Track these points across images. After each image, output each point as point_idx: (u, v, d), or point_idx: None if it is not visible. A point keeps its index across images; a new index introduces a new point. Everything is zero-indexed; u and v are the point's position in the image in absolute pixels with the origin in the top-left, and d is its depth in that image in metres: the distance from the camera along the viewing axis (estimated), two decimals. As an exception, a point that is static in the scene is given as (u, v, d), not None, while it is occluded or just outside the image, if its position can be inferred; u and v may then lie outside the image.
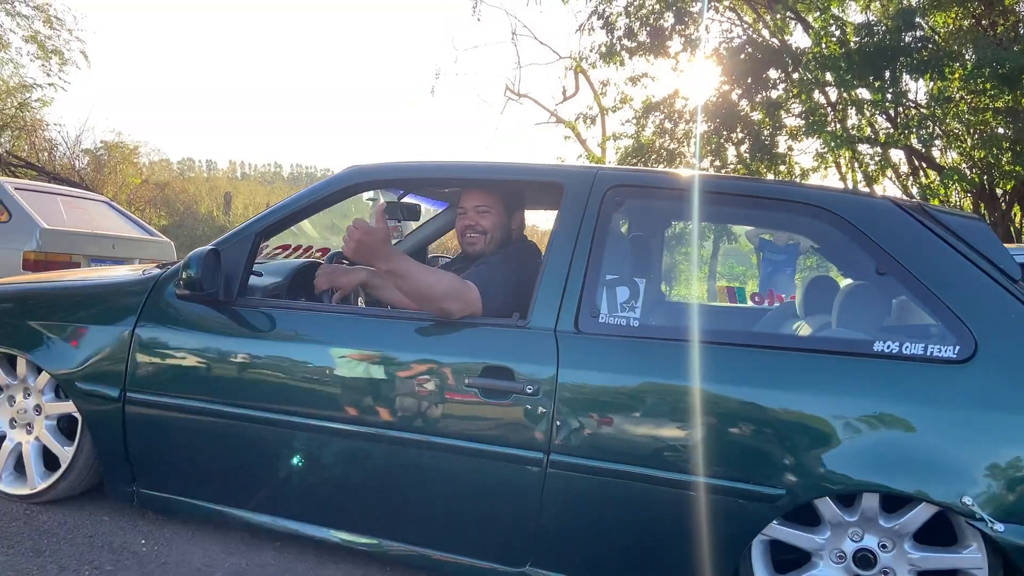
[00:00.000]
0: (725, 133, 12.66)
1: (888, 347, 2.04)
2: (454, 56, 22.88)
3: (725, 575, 2.10)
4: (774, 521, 2.06)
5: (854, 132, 11.31)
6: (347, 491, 2.37)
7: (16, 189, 7.07)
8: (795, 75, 11.52)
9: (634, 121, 13.50)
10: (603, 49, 12.91)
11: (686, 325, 2.35)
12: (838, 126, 11.31)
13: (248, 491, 2.47)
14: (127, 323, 2.51)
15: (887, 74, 10.26)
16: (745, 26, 12.69)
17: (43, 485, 2.65)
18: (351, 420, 2.31)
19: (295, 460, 2.38)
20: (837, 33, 10.61)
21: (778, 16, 11.94)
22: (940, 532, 2.02)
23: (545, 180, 2.48)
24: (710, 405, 2.07)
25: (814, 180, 13.00)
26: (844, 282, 2.59)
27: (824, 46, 10.65)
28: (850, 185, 12.66)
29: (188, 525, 2.58)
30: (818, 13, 10.95)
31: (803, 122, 11.62)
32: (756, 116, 12.27)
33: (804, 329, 2.57)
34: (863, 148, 11.64)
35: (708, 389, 2.08)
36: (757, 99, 12.08)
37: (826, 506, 2.03)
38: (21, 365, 2.69)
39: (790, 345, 2.15)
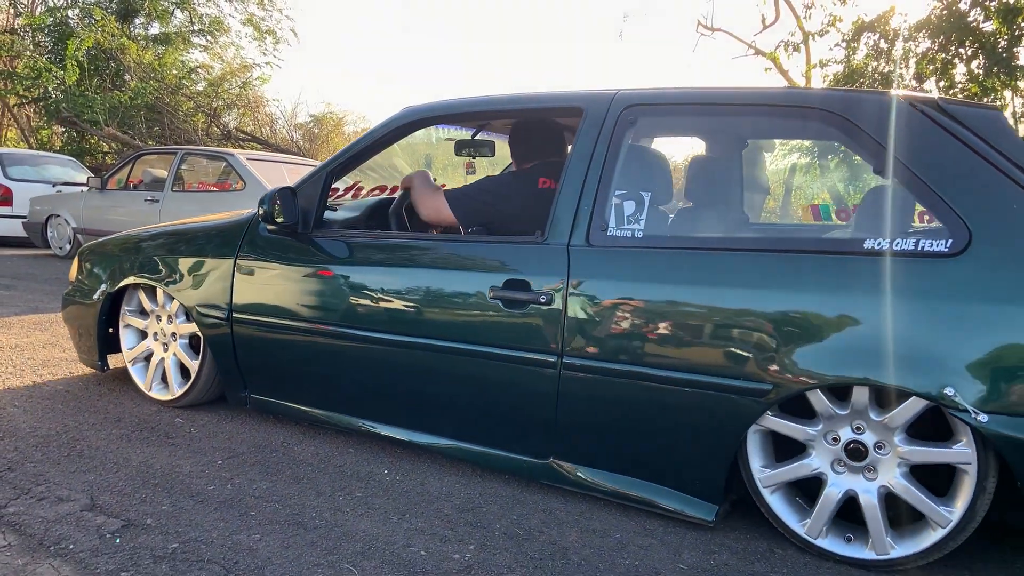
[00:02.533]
0: (953, 49, 11.60)
1: (879, 244, 2.12)
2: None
3: (724, 462, 2.32)
4: (768, 412, 2.24)
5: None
6: (401, 395, 2.87)
7: (248, 160, 8.44)
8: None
9: (844, 44, 12.72)
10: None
11: (689, 235, 2.54)
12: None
13: (329, 396, 3.05)
14: (230, 255, 3.16)
15: None
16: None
17: (180, 392, 3.41)
18: (401, 331, 2.77)
19: (363, 368, 2.91)
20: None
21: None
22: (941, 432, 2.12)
23: (568, 106, 2.76)
24: (705, 307, 2.28)
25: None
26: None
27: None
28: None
29: (425, 457, 2.97)
30: None
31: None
32: (989, 26, 11.11)
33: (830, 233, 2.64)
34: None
35: (703, 291, 2.29)
36: (991, 5, 10.92)
37: (817, 398, 2.17)
38: (160, 294, 3.45)
39: (783, 247, 2.26)
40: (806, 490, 2.33)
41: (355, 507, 2.50)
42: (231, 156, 8.47)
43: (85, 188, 9.45)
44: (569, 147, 3.29)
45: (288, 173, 8.80)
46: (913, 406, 2.06)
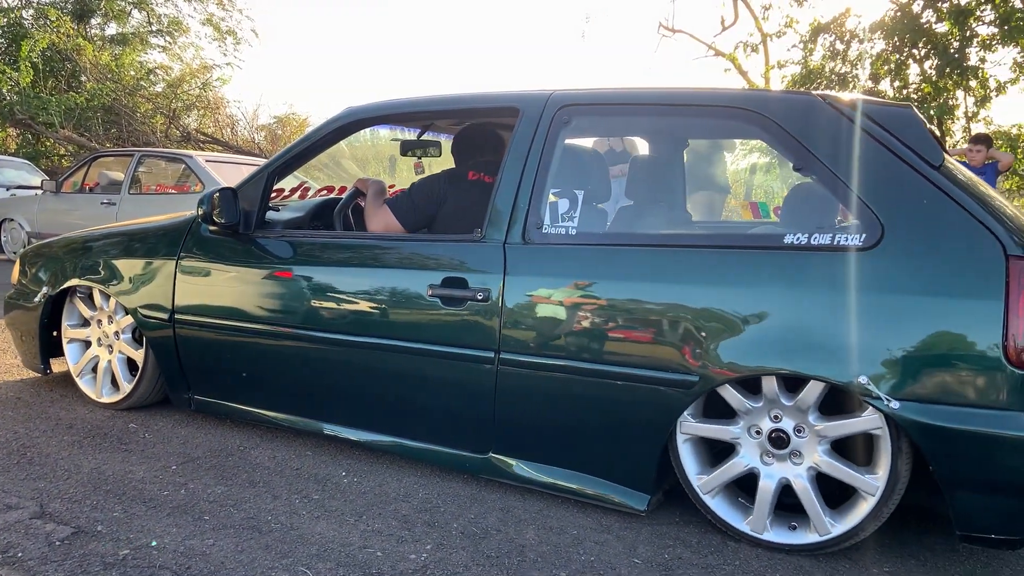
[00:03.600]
0: (906, 50, 11.84)
1: (797, 239, 2.19)
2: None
3: (655, 453, 2.39)
4: (691, 417, 2.32)
5: (1060, 35, 10.16)
6: (343, 393, 2.87)
7: (207, 161, 8.33)
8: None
9: (801, 46, 12.92)
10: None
11: (620, 230, 2.58)
12: (1039, 30, 10.20)
13: (272, 396, 3.05)
14: (172, 256, 3.13)
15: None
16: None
17: (130, 387, 3.38)
18: (342, 330, 2.79)
19: (305, 368, 2.91)
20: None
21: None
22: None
23: (505, 105, 2.78)
24: (634, 302, 2.34)
25: (1012, 93, 11.81)
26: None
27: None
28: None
29: (383, 459, 2.96)
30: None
31: (997, 30, 10.62)
32: (942, 28, 11.36)
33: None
34: (1071, 53, 10.44)
35: (633, 287, 2.35)
36: (943, 8, 11.16)
37: (729, 394, 2.25)
38: (97, 296, 3.43)
39: (712, 244, 2.33)
40: (751, 490, 2.37)
41: (311, 510, 2.50)
42: (189, 158, 8.37)
43: (40, 191, 9.26)
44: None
45: (248, 173, 8.71)
46: (816, 387, 2.15)
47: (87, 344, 3.54)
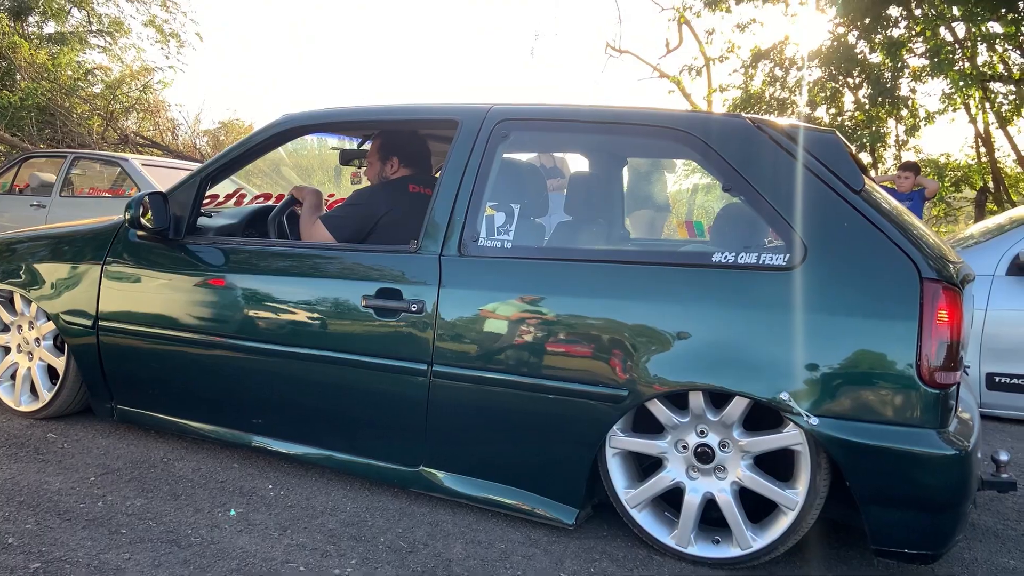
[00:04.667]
0: (841, 79, 12.21)
1: (725, 257, 2.23)
2: (553, 15, 22.86)
3: (584, 468, 2.39)
4: (620, 431, 2.33)
5: (985, 70, 10.62)
6: (273, 404, 2.82)
7: (143, 165, 8.10)
8: (917, 11, 10.93)
9: (742, 71, 13.24)
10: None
11: (554, 245, 2.60)
12: (967, 64, 10.64)
13: (199, 407, 2.97)
14: (98, 261, 3.04)
15: (1021, 3, 9.58)
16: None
17: (50, 395, 3.27)
18: (272, 340, 2.74)
19: (234, 378, 2.84)
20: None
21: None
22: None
23: (444, 118, 2.78)
24: (566, 316, 2.35)
25: (941, 123, 12.29)
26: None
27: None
28: (981, 127, 11.86)
29: (312, 471, 2.91)
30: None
31: (927, 62, 11.03)
32: (875, 58, 11.75)
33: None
34: (995, 86, 10.91)
35: (565, 302, 2.37)
36: (876, 39, 11.54)
37: (657, 408, 2.28)
38: (18, 301, 3.31)
39: (644, 260, 2.36)
40: (677, 504, 2.39)
41: (234, 523, 2.45)
42: (125, 161, 8.16)
43: (-35, 192, 8.90)
44: (432, 158, 3.40)
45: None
46: (741, 403, 2.19)
47: (6, 350, 3.41)
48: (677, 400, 2.29)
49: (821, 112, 12.70)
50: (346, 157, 3.72)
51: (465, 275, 2.50)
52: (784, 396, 2.08)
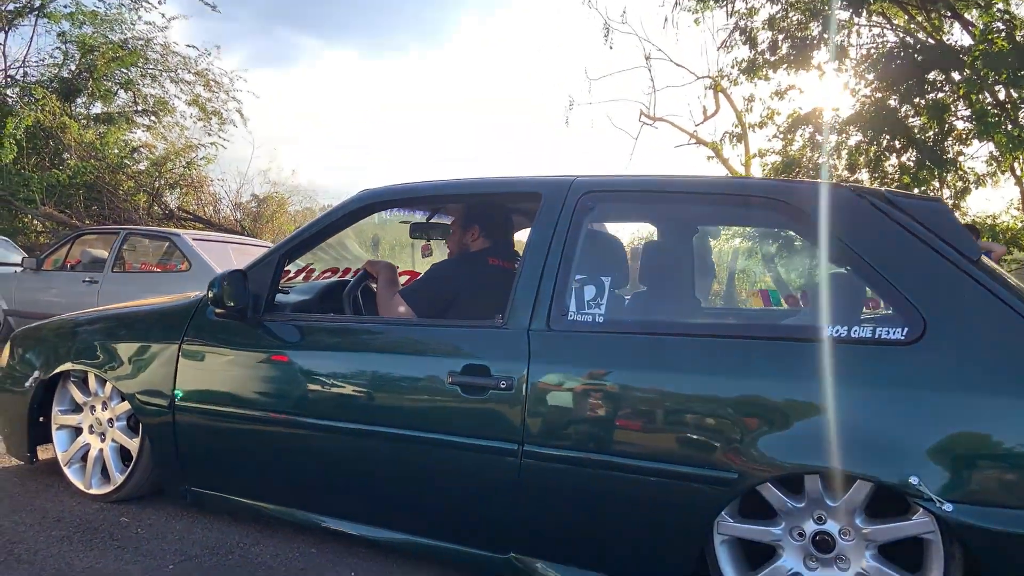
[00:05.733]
0: (885, 141, 12.16)
1: (838, 332, 2.14)
2: (587, 86, 23.20)
3: (691, 556, 2.27)
4: (729, 517, 2.21)
5: (1031, 131, 10.51)
6: (353, 486, 2.73)
7: (194, 240, 8.19)
8: (956, 76, 10.94)
9: (780, 136, 13.27)
10: (744, 65, 12.86)
11: (648, 319, 2.53)
12: (1011, 126, 10.56)
13: (279, 489, 2.90)
14: (175, 340, 3.02)
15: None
16: (896, 28, 12.21)
17: (122, 478, 3.21)
18: (354, 419, 2.67)
19: (316, 459, 2.78)
20: (1004, 28, 10.00)
21: (933, 16, 11.42)
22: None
23: (527, 191, 2.77)
24: (667, 394, 2.27)
25: (988, 186, 12.17)
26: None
27: (991, 43, 10.06)
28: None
29: (393, 556, 2.79)
30: (979, 9, 10.41)
31: (971, 125, 10.99)
32: (916, 122, 11.73)
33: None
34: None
35: (666, 378, 2.29)
36: (918, 102, 11.54)
37: (770, 492, 2.16)
38: (92, 381, 3.29)
39: (743, 334, 2.28)
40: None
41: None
42: (176, 236, 8.27)
43: (19, 269, 9.08)
44: (517, 230, 3.38)
45: (234, 253, 8.62)
46: (863, 487, 2.06)
47: (77, 431, 3.38)
48: (791, 484, 2.17)
49: (863, 176, 12.64)
50: (416, 231, 3.71)
51: (556, 351, 2.43)
52: (914, 480, 1.96)
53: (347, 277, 3.72)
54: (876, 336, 2.10)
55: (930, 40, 11.67)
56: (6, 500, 3.23)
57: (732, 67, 13.36)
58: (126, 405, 3.18)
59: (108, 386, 3.22)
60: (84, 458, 3.36)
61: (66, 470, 3.36)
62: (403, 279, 4.20)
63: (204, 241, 8.41)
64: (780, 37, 12.57)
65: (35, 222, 15.63)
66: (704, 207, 2.74)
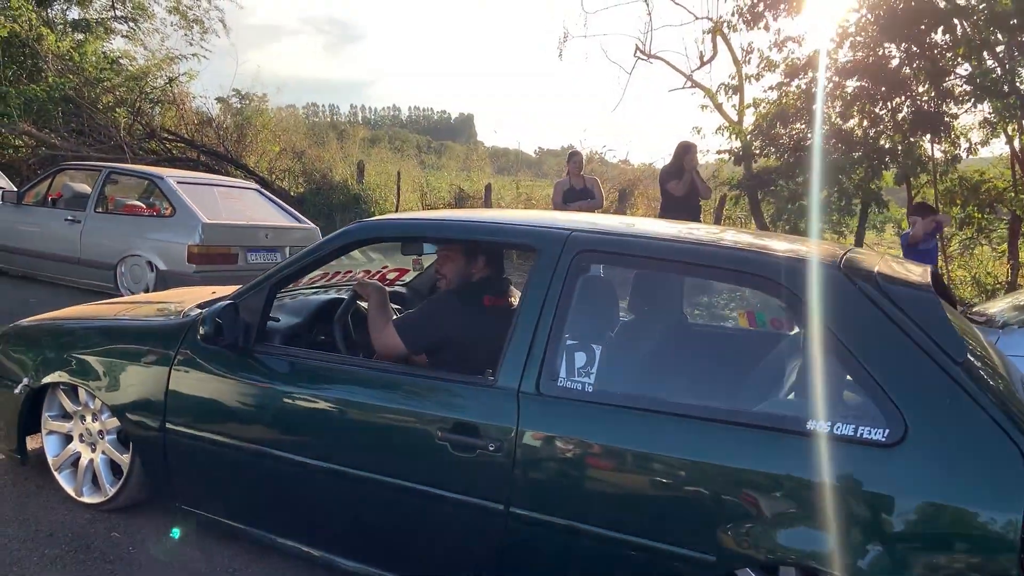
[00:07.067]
0: (883, 90, 11.96)
1: (819, 426, 2.19)
2: (583, 19, 22.54)
3: None
4: None
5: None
6: (339, 522, 2.81)
7: (179, 183, 8.00)
8: (959, 32, 10.76)
9: (777, 88, 13.08)
10: (746, 14, 12.54)
11: (637, 392, 2.56)
12: (1008, 91, 10.45)
13: (264, 517, 2.98)
14: (165, 363, 3.04)
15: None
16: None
17: (113, 491, 3.28)
18: (344, 462, 2.72)
19: (302, 494, 2.85)
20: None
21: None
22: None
23: (521, 242, 2.76)
24: (647, 471, 2.33)
25: (980, 153, 12.11)
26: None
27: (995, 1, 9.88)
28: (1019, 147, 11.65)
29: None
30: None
31: (968, 88, 10.87)
32: (908, 70, 11.55)
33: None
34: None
35: (645, 455, 2.34)
36: (918, 64, 11.37)
37: None
38: (82, 393, 3.31)
39: (727, 419, 2.32)
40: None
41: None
42: (160, 179, 8.12)
43: (-1, 202, 8.90)
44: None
45: (221, 198, 8.51)
46: None
47: (68, 438, 3.42)
48: (769, 570, 2.24)
49: (853, 124, 12.53)
50: (408, 249, 3.69)
51: (545, 417, 2.47)
52: None
53: (354, 276, 3.71)
54: (858, 435, 2.15)
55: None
56: (-1, 504, 3.29)
57: (733, 14, 13.04)
58: (116, 421, 3.21)
59: (98, 401, 3.25)
60: (75, 463, 3.41)
61: (56, 475, 3.42)
62: (393, 275, 4.20)
63: (189, 184, 8.25)
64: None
65: (12, 137, 15.24)
66: (699, 276, 2.75)
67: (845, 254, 2.58)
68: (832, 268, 2.40)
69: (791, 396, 2.59)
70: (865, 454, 2.14)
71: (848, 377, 2.29)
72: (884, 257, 2.73)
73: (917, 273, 2.63)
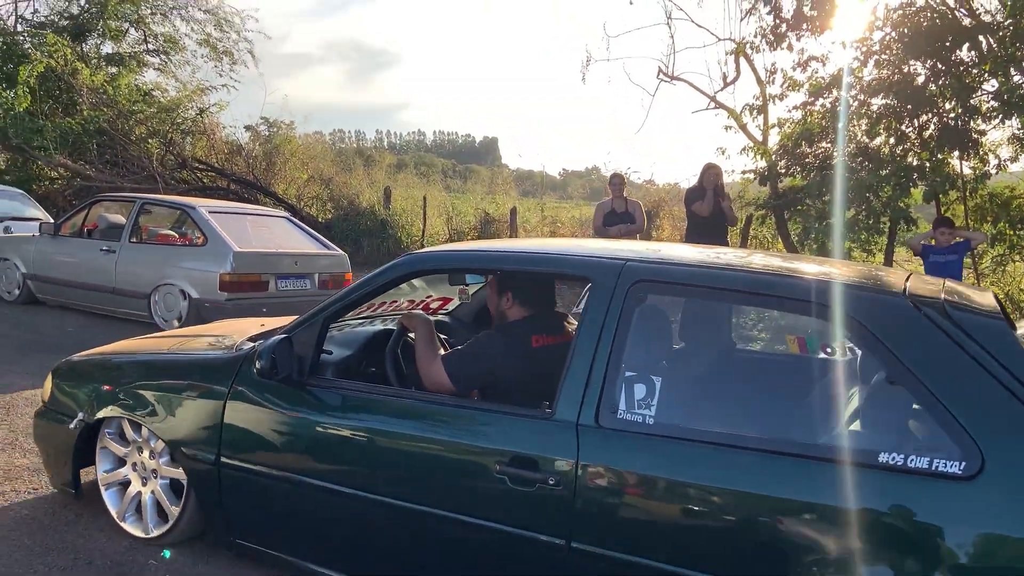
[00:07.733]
0: (907, 118, 11.89)
1: (893, 459, 2.12)
2: (605, 42, 22.63)
3: None
4: None
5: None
6: (394, 557, 2.77)
7: (210, 213, 8.11)
8: (985, 47, 10.67)
9: (801, 107, 13.01)
10: (769, 35, 12.52)
11: (698, 426, 2.51)
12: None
13: (320, 551, 2.94)
14: (220, 397, 3.03)
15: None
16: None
17: (156, 533, 3.29)
18: (393, 494, 2.69)
19: (357, 527, 2.82)
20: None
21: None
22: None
23: (575, 273, 2.72)
24: (710, 506, 2.27)
25: (1015, 170, 11.96)
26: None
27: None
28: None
29: None
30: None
31: (996, 104, 10.75)
32: (935, 87, 11.45)
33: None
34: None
35: (709, 489, 2.28)
36: (943, 82, 11.27)
37: None
38: (127, 428, 3.33)
39: (794, 451, 2.26)
40: None
41: None
42: (192, 210, 8.20)
43: (36, 234, 9.02)
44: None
45: (251, 226, 8.56)
46: None
47: (121, 460, 3.42)
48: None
49: (879, 142, 12.41)
50: (455, 280, 3.67)
51: (606, 450, 2.41)
52: None
53: (399, 306, 3.69)
54: (933, 468, 2.08)
55: (961, 9, 11.34)
56: (39, 535, 3.30)
57: (755, 36, 13.03)
58: (173, 470, 3.22)
59: (154, 438, 3.25)
60: (122, 485, 3.41)
61: (103, 490, 3.44)
62: (437, 304, 4.18)
63: (220, 213, 8.32)
64: (807, 6, 12.21)
65: (49, 171, 15.49)
66: (760, 305, 2.70)
67: (908, 280, 2.52)
68: (900, 299, 2.35)
69: (854, 426, 2.52)
70: (941, 488, 2.06)
71: (916, 407, 2.23)
72: (945, 283, 2.66)
73: (982, 299, 2.56)
